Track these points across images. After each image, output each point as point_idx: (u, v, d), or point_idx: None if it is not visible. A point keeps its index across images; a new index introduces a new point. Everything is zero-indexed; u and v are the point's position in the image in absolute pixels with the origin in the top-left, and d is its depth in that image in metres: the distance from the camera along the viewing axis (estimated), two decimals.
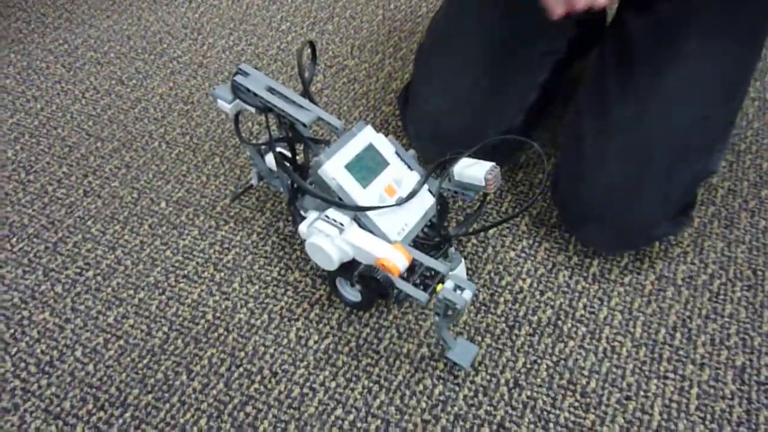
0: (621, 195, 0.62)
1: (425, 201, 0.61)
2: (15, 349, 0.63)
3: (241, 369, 0.61)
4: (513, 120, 0.72)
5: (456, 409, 0.58)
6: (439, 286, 0.53)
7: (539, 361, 0.61)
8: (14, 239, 0.73)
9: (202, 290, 0.68)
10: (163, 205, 0.77)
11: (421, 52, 0.76)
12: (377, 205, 0.56)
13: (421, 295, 0.53)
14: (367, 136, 0.60)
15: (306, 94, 0.62)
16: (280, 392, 0.59)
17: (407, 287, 0.53)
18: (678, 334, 0.63)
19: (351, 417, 0.58)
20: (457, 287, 0.53)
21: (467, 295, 0.52)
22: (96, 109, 0.91)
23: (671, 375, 0.60)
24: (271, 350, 0.62)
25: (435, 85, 0.71)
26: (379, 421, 0.57)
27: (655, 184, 0.61)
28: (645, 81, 0.63)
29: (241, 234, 0.73)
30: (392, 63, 0.99)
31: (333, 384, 0.60)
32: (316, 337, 0.63)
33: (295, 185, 0.61)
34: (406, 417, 0.58)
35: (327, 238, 0.56)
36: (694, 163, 0.63)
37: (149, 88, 0.95)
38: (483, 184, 0.57)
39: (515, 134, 0.73)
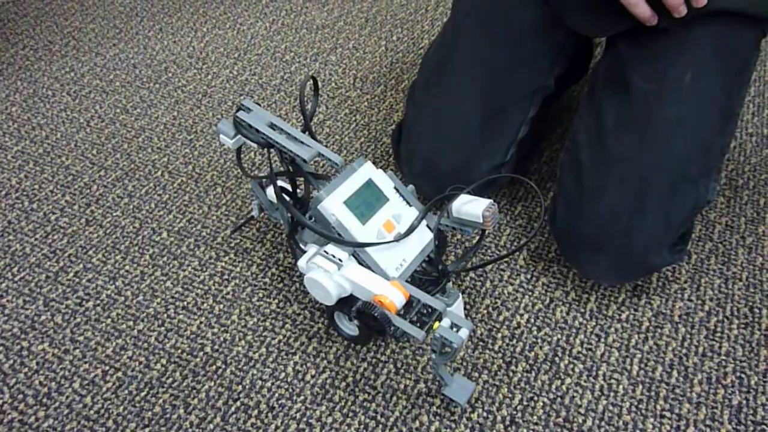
0: (620, 224, 0.62)
1: (423, 237, 0.61)
2: (13, 380, 0.63)
3: (238, 403, 0.61)
4: (505, 155, 0.73)
5: None
6: (436, 324, 0.53)
7: (536, 398, 0.61)
8: (15, 268, 0.74)
9: (201, 322, 0.68)
10: (164, 235, 0.78)
11: (413, 91, 0.77)
12: (375, 242, 0.57)
13: (417, 332, 0.53)
14: (367, 171, 0.61)
15: (307, 129, 0.63)
16: (276, 427, 0.59)
17: (404, 324, 0.54)
18: (675, 372, 0.63)
19: None
20: (454, 325, 0.53)
21: (464, 333, 0.52)
22: (100, 138, 0.92)
23: (668, 414, 0.60)
24: (269, 384, 0.62)
25: (427, 124, 0.72)
26: None
27: (654, 212, 0.62)
28: (642, 111, 0.64)
29: (241, 265, 0.74)
30: (394, 95, 1.01)
31: (330, 419, 0.60)
32: (314, 372, 0.63)
33: (295, 219, 0.62)
34: None
35: (325, 274, 0.56)
36: (693, 191, 0.63)
37: (153, 117, 0.96)
38: (481, 221, 0.57)
39: (508, 168, 0.75)
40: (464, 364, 0.64)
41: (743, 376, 0.63)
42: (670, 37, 0.63)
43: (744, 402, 0.61)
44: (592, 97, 0.70)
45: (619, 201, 0.63)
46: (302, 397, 0.61)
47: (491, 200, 0.57)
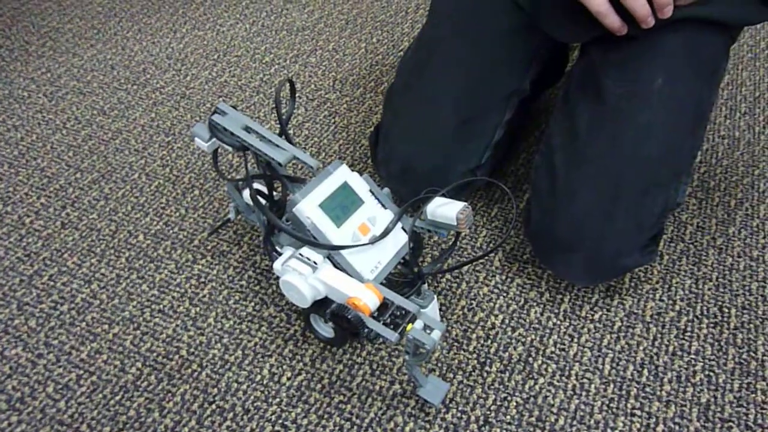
0: (593, 225, 0.64)
1: (399, 239, 0.62)
2: None
3: (213, 406, 0.61)
4: (481, 158, 0.74)
5: None
6: (410, 326, 0.54)
7: (509, 398, 0.62)
8: None
9: (177, 325, 0.68)
10: (140, 238, 0.77)
11: (391, 94, 0.78)
12: (350, 244, 0.57)
13: (390, 334, 0.54)
14: (342, 174, 0.61)
15: (283, 132, 0.64)
16: (252, 429, 0.59)
17: (377, 326, 0.54)
18: (645, 371, 0.64)
19: None
20: (427, 327, 0.53)
21: (436, 335, 0.53)
22: (77, 140, 0.92)
23: (638, 412, 0.61)
24: (244, 387, 0.63)
25: (404, 127, 0.73)
26: None
27: (626, 214, 0.63)
28: (614, 115, 0.65)
29: (217, 268, 0.74)
30: (373, 97, 1.01)
31: (305, 421, 0.60)
32: (290, 374, 0.64)
33: (270, 222, 0.62)
34: None
35: (300, 277, 0.56)
36: (663, 194, 0.65)
37: (131, 119, 0.96)
38: (455, 223, 0.58)
39: (484, 171, 0.75)
40: (439, 365, 0.65)
41: (711, 374, 0.64)
42: (641, 43, 0.65)
43: (712, 400, 0.62)
44: (566, 101, 0.71)
45: (592, 204, 0.64)
46: (278, 400, 0.62)
47: (465, 203, 0.58)
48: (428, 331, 0.53)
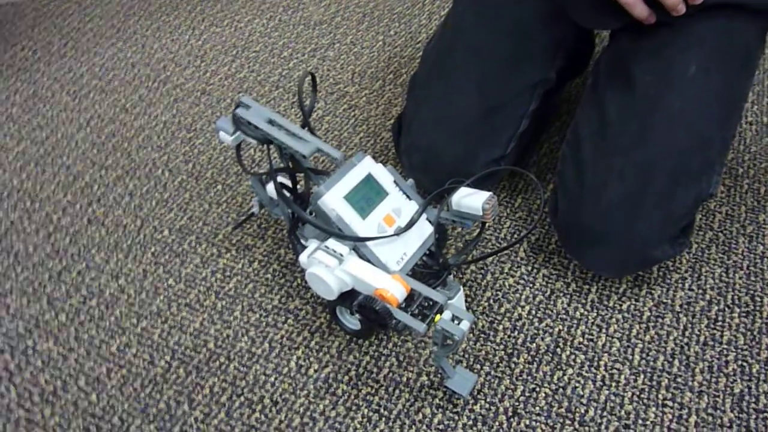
0: (622, 216, 0.63)
1: (424, 230, 0.61)
2: (19, 379, 0.64)
3: (242, 398, 0.61)
4: (505, 149, 0.73)
5: None
6: (438, 317, 0.54)
7: (538, 389, 0.61)
8: (19, 268, 0.74)
9: (203, 319, 0.68)
10: (165, 233, 0.78)
11: (414, 83, 0.77)
12: (376, 236, 0.57)
13: (419, 325, 0.53)
14: (367, 166, 0.61)
15: (306, 125, 0.64)
16: (280, 421, 0.60)
17: (405, 318, 0.54)
18: (676, 362, 0.63)
19: None
20: (455, 317, 0.53)
21: (465, 325, 0.52)
22: (100, 137, 0.93)
23: (669, 403, 0.60)
24: (272, 379, 0.63)
25: (428, 116, 0.72)
26: None
27: (656, 204, 0.62)
28: (646, 103, 0.64)
29: (242, 262, 0.74)
30: (392, 89, 1.01)
31: (333, 413, 0.60)
32: (317, 366, 0.64)
33: (295, 215, 0.62)
34: None
35: (326, 269, 0.56)
36: (695, 185, 0.63)
37: (153, 116, 0.96)
38: (480, 213, 0.58)
39: (508, 161, 0.75)
40: (466, 356, 0.64)
41: (745, 364, 0.63)
42: (673, 30, 0.63)
43: (746, 390, 0.61)
44: (594, 89, 0.70)
45: (621, 194, 0.63)
46: (305, 392, 0.62)
47: (491, 193, 0.58)
48: (456, 322, 0.53)
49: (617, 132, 0.64)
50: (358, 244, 0.57)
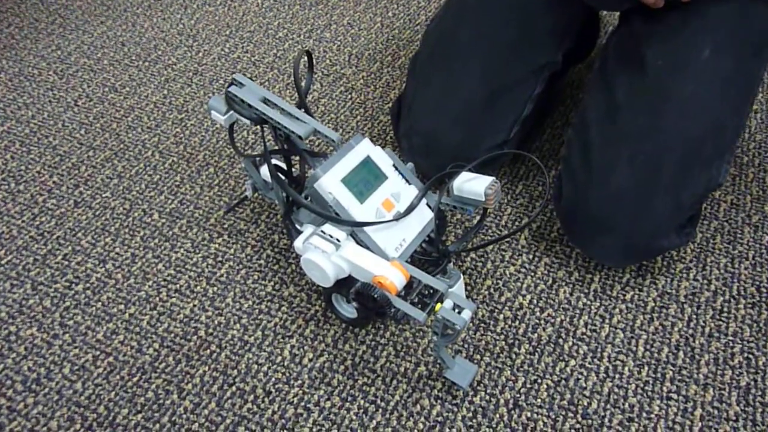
0: (629, 204, 0.61)
1: (424, 216, 0.59)
2: (1, 366, 0.61)
3: (233, 388, 0.59)
4: (509, 133, 0.71)
5: (454, 430, 0.56)
6: (438, 306, 0.51)
7: (539, 380, 0.60)
8: (2, 251, 0.71)
9: (194, 305, 0.66)
10: (155, 216, 0.75)
11: (415, 64, 0.75)
12: (374, 221, 0.55)
13: (419, 314, 0.51)
14: (365, 149, 0.59)
15: (302, 105, 0.61)
16: (273, 412, 0.58)
17: (405, 306, 0.52)
18: (681, 353, 0.62)
19: None
20: (456, 306, 0.51)
21: (466, 315, 0.50)
22: (88, 117, 0.89)
23: (674, 396, 0.58)
24: (265, 368, 0.61)
25: (429, 99, 0.70)
26: None
27: (665, 192, 0.60)
28: (656, 88, 0.61)
29: (234, 247, 0.72)
30: (390, 72, 0.98)
31: (328, 404, 0.58)
32: (311, 355, 0.62)
33: (291, 198, 0.60)
34: None
35: (323, 255, 0.54)
36: (705, 173, 0.61)
37: (143, 96, 0.93)
38: (483, 199, 0.55)
39: (511, 146, 0.72)
40: (466, 346, 0.62)
41: (751, 356, 0.61)
42: (687, 13, 0.61)
43: (752, 383, 0.59)
44: (602, 73, 0.68)
45: (629, 180, 0.60)
46: (300, 382, 0.60)
47: (493, 178, 0.55)
48: (458, 311, 0.51)
49: (627, 116, 0.62)
50: (355, 229, 0.55)
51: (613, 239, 0.62)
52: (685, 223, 0.64)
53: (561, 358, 0.61)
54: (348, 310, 0.62)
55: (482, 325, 0.64)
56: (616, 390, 0.59)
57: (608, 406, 0.58)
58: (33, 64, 1.00)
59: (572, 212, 0.65)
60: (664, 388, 0.59)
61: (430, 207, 0.60)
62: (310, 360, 0.61)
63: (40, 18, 1.11)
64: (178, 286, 0.68)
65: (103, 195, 0.78)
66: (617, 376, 0.60)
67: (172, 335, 0.63)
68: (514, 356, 0.61)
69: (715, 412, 0.57)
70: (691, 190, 0.61)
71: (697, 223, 0.68)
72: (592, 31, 0.92)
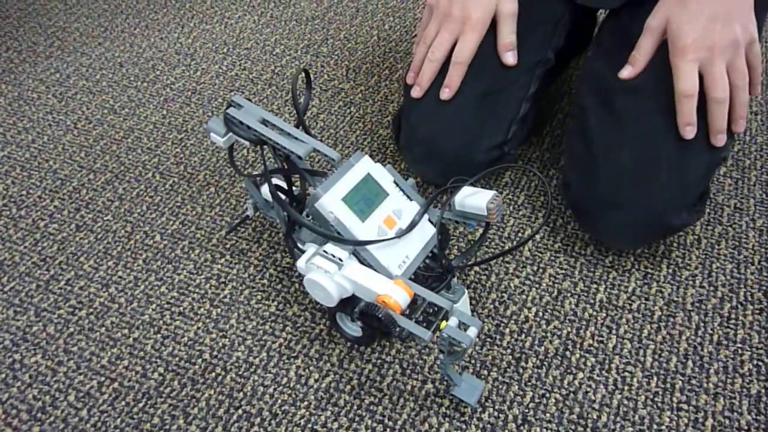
0: (635, 180, 0.61)
1: (426, 232, 0.59)
2: (6, 395, 0.61)
3: (240, 411, 0.59)
4: (506, 133, 0.71)
5: None
6: (443, 323, 0.51)
7: (548, 395, 0.59)
8: (5, 278, 0.71)
9: (198, 328, 0.66)
10: (157, 238, 0.75)
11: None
12: (376, 239, 0.55)
13: (424, 333, 0.51)
14: (365, 166, 0.58)
15: (301, 124, 0.61)
16: None
17: (410, 325, 0.51)
18: (690, 362, 0.61)
19: None
20: (462, 324, 0.51)
21: (472, 332, 0.50)
22: (88, 140, 0.90)
23: (685, 406, 0.58)
24: (271, 390, 0.60)
25: (426, 107, 0.70)
26: None
27: (668, 169, 0.61)
28: (650, 72, 0.62)
29: (237, 267, 0.71)
30: (388, 85, 0.98)
31: (335, 425, 0.58)
32: (317, 376, 0.61)
33: (292, 218, 0.59)
34: None
35: (326, 274, 0.54)
36: (706, 148, 0.61)
37: (142, 117, 0.93)
38: (485, 213, 0.55)
39: (512, 144, 0.73)
40: (472, 361, 0.62)
41: (761, 363, 0.61)
42: None
43: (763, 391, 0.59)
44: (595, 60, 0.69)
45: (631, 160, 0.61)
46: (306, 403, 0.59)
47: (495, 192, 0.55)
48: (463, 329, 0.50)
49: (622, 99, 0.63)
50: (358, 248, 0.55)
51: (621, 216, 0.63)
52: (695, 201, 0.64)
53: (569, 371, 0.61)
54: (353, 328, 0.62)
55: (488, 339, 0.64)
56: (625, 402, 0.58)
57: (618, 419, 0.57)
58: (32, 88, 1.00)
59: (581, 197, 0.66)
60: (674, 399, 0.58)
61: (432, 222, 0.60)
62: (316, 380, 0.61)
63: (38, 41, 1.11)
64: (181, 308, 0.68)
65: (105, 218, 0.78)
66: (626, 387, 0.59)
67: (177, 359, 0.63)
68: (521, 370, 0.61)
69: (727, 422, 0.57)
70: (694, 166, 0.61)
71: (707, 200, 0.68)
72: (587, 26, 0.93)
